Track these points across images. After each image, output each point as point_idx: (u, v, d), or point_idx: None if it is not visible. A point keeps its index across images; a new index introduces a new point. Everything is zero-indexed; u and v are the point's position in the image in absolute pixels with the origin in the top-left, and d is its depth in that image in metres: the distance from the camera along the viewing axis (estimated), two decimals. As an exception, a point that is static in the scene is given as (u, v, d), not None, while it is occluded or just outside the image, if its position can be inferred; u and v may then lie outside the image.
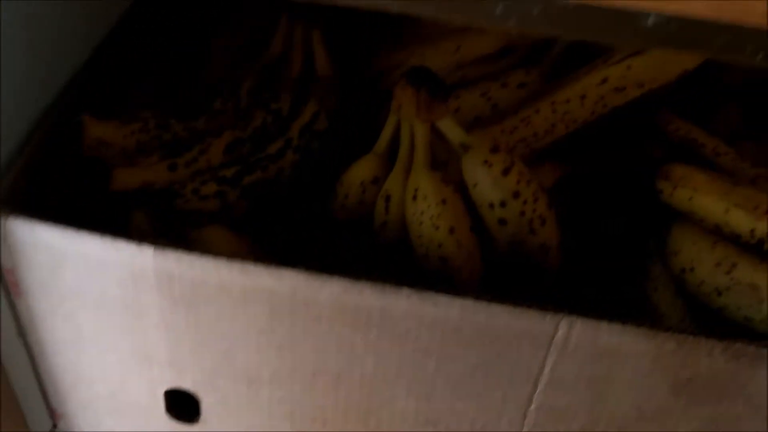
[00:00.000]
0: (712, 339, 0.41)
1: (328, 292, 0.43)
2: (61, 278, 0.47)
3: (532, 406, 0.46)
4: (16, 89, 0.50)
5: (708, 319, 0.50)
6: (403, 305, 0.43)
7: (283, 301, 0.45)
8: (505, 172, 0.47)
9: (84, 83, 0.57)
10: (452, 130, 0.49)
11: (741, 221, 0.46)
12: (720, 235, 0.48)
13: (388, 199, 0.50)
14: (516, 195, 0.47)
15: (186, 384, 0.51)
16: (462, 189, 0.49)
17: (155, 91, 0.64)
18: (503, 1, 0.30)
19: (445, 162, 0.51)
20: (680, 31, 0.30)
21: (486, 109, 0.60)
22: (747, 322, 0.46)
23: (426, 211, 0.47)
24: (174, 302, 0.46)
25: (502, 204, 0.47)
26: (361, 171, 0.52)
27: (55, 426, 0.59)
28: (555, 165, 0.57)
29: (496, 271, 0.52)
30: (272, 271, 0.44)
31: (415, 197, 0.48)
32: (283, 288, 0.44)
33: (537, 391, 0.46)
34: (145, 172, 0.55)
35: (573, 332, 0.42)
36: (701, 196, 0.47)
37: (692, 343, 0.41)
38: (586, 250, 0.56)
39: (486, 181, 0.47)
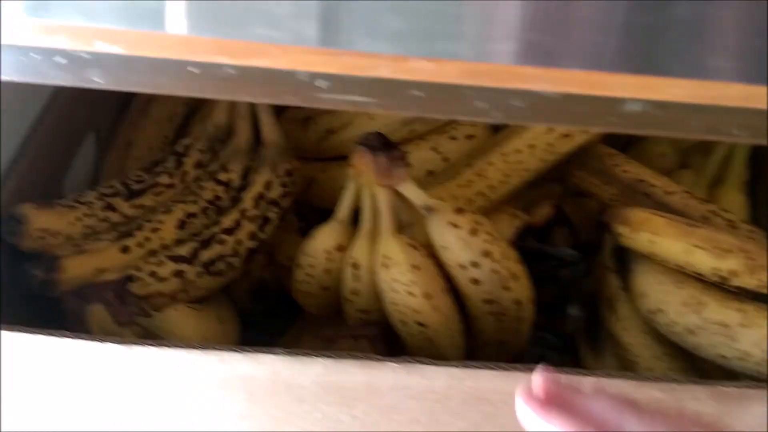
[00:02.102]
0: (697, 383, 0.41)
1: (312, 373, 0.42)
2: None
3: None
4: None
5: (684, 355, 0.51)
6: (389, 379, 0.42)
7: (264, 386, 0.43)
8: (473, 232, 0.47)
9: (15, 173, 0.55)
10: (414, 193, 0.49)
11: (703, 262, 0.47)
12: (683, 273, 0.49)
13: (356, 266, 0.49)
14: (486, 254, 0.47)
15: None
16: (430, 250, 0.49)
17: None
18: (483, 97, 0.30)
19: (410, 223, 0.51)
20: (661, 115, 0.31)
21: (437, 162, 0.60)
22: (722, 360, 0.47)
23: (399, 278, 0.47)
24: (149, 395, 0.44)
25: (474, 264, 0.47)
26: (325, 239, 0.51)
27: None
28: (513, 213, 0.57)
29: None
30: (250, 356, 0.42)
31: (386, 265, 0.47)
32: (262, 372, 0.43)
33: (528, 449, 0.45)
34: (96, 257, 0.52)
35: (560, 389, 0.42)
36: (662, 239, 0.48)
37: (678, 390, 0.41)
38: (549, 298, 0.56)
39: (455, 244, 0.47)
